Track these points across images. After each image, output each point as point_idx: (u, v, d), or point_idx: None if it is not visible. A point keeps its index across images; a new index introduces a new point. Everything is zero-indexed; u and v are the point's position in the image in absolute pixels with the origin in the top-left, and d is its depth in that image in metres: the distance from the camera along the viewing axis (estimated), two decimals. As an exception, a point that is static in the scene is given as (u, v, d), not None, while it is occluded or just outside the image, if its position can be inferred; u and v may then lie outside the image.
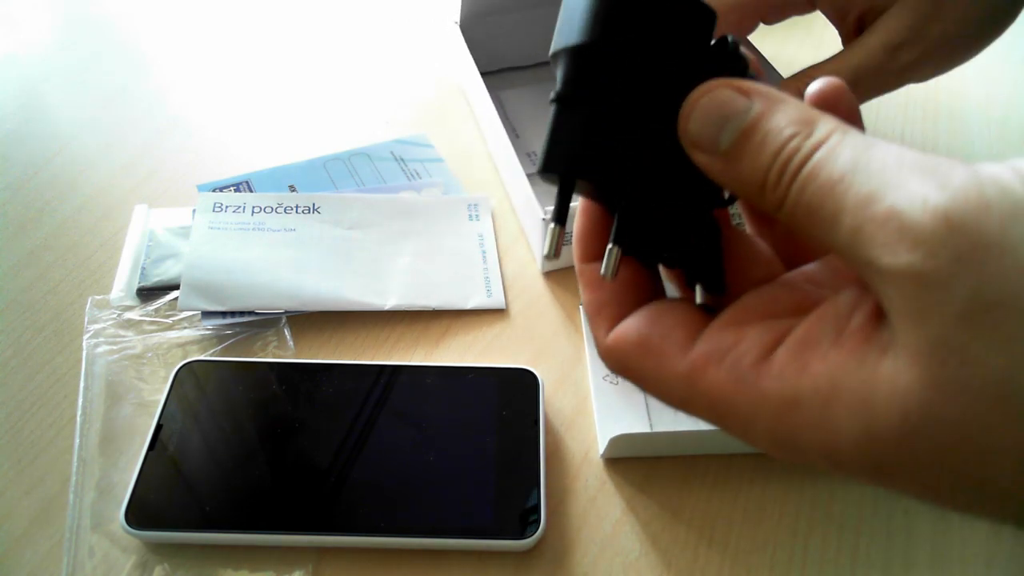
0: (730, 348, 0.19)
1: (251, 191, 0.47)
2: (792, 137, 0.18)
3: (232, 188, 0.47)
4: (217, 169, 0.49)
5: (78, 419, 0.36)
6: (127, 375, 0.38)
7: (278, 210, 0.45)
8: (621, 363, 0.22)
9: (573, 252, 0.23)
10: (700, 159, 0.20)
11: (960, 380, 0.15)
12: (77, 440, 0.35)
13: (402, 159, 0.50)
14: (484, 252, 0.44)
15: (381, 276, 0.42)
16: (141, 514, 0.32)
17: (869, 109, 0.55)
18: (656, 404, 0.37)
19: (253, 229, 0.44)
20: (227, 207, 0.45)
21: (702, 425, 0.36)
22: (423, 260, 0.44)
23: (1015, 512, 0.17)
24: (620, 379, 0.38)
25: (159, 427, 0.34)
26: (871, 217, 0.16)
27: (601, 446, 0.35)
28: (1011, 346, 0.15)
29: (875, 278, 0.16)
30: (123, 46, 0.61)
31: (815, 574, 0.32)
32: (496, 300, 0.42)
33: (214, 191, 0.47)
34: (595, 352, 0.39)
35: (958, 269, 0.15)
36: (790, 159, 0.18)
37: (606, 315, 0.22)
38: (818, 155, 0.18)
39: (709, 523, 0.33)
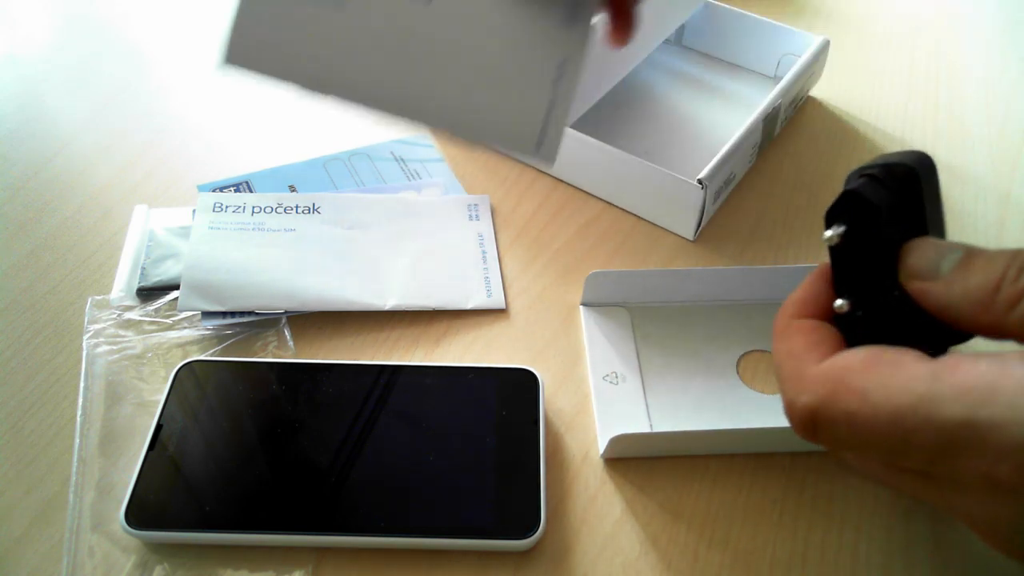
0: (986, 354, 0.20)
1: (251, 191, 0.47)
2: (1018, 251, 0.21)
3: (232, 188, 0.47)
4: (217, 169, 0.49)
5: (78, 419, 0.36)
6: (127, 375, 0.38)
7: (278, 210, 0.45)
8: (836, 386, 0.22)
9: (792, 306, 0.27)
10: (916, 287, 0.23)
11: None
12: (77, 440, 0.35)
13: (402, 159, 0.50)
14: (484, 252, 0.44)
15: (381, 276, 0.42)
16: (141, 514, 0.32)
17: (869, 108, 0.55)
18: (656, 404, 0.37)
19: (253, 229, 0.44)
20: (227, 207, 0.45)
21: (702, 425, 0.36)
22: (423, 260, 0.44)
23: None
24: (620, 380, 0.38)
25: (159, 427, 0.34)
26: None
27: (601, 446, 0.35)
28: None
29: None
30: (123, 46, 0.61)
31: (815, 574, 0.32)
32: (496, 300, 0.42)
33: (214, 191, 0.47)
34: (595, 352, 0.39)
35: None
36: None
37: (816, 353, 0.24)
38: None
39: (709, 523, 0.33)
